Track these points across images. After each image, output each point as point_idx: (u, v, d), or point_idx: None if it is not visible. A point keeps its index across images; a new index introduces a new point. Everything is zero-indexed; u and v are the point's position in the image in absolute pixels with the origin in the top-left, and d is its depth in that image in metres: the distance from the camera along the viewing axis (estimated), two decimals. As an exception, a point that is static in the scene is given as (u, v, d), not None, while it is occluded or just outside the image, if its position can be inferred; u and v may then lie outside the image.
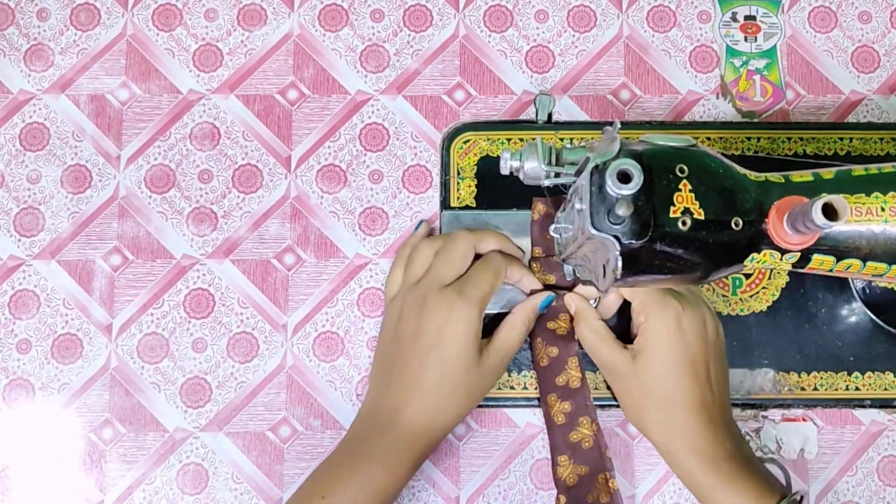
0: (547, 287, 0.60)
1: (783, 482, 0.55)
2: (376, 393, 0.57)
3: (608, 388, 0.60)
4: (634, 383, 0.55)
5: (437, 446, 0.57)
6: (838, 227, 0.47)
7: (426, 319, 0.55)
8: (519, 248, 0.61)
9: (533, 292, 0.60)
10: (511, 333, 0.58)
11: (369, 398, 0.58)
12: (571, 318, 0.60)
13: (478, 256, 0.59)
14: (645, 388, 0.55)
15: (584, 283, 0.59)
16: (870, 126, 0.64)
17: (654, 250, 0.44)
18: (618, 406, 0.61)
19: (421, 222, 0.63)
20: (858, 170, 0.49)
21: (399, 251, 0.62)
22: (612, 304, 0.59)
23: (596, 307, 0.59)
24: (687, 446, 0.54)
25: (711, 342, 0.56)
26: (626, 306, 0.58)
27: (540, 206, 0.62)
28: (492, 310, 0.60)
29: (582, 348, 0.60)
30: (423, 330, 0.55)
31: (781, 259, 0.47)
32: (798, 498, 0.52)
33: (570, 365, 0.60)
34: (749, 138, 0.64)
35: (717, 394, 0.55)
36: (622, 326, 0.59)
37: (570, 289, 0.60)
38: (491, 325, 0.61)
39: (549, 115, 0.63)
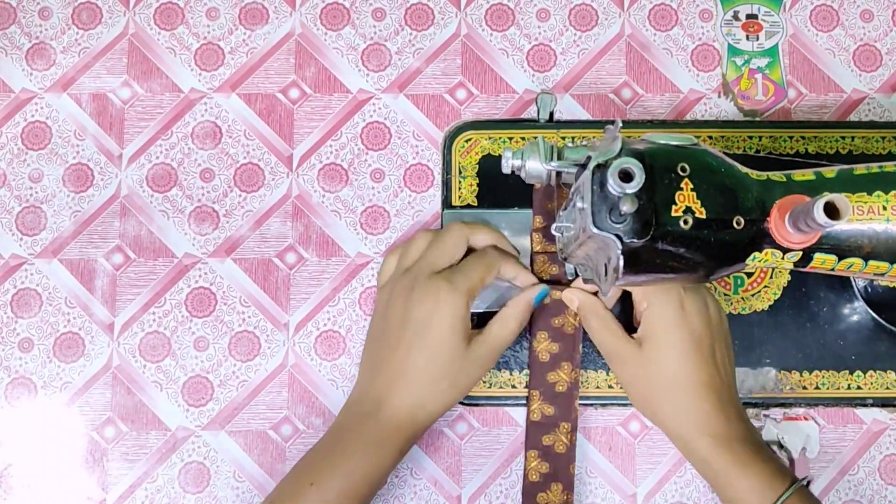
0: (545, 282, 0.60)
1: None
2: (364, 380, 0.58)
3: (609, 387, 0.61)
4: (641, 371, 0.55)
5: (423, 434, 0.57)
6: (840, 227, 0.47)
7: (414, 305, 0.55)
8: (514, 247, 0.61)
9: None
10: (503, 329, 0.57)
11: (357, 385, 0.58)
12: (576, 315, 0.59)
13: (472, 251, 0.59)
14: (652, 375, 0.55)
15: (586, 281, 0.59)
16: (872, 125, 0.64)
17: (655, 249, 0.44)
18: (619, 404, 0.61)
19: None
20: (860, 169, 0.49)
21: (396, 243, 0.63)
22: (611, 296, 0.59)
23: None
24: (699, 429, 0.53)
25: (715, 324, 0.55)
26: (627, 296, 0.58)
27: None
28: (488, 307, 0.60)
29: (585, 348, 0.60)
30: (411, 315, 0.55)
31: (783, 258, 0.47)
32: (806, 482, 0.52)
33: (565, 369, 0.60)
34: (751, 137, 0.64)
35: (725, 376, 0.55)
36: (624, 318, 0.59)
37: (567, 283, 0.60)
38: (487, 320, 0.61)
39: (551, 114, 0.63)
